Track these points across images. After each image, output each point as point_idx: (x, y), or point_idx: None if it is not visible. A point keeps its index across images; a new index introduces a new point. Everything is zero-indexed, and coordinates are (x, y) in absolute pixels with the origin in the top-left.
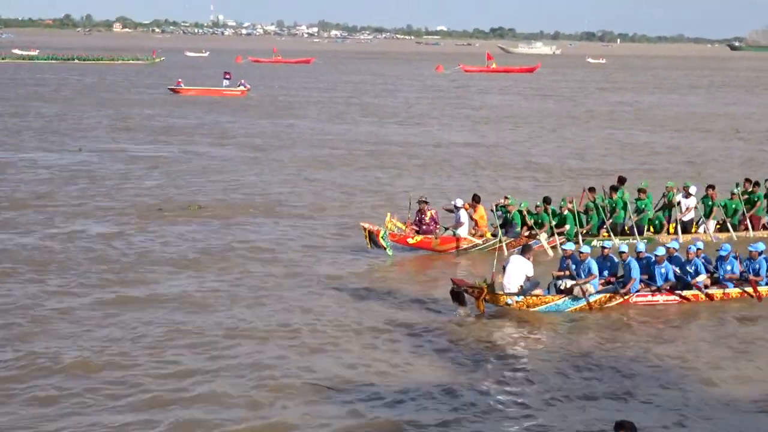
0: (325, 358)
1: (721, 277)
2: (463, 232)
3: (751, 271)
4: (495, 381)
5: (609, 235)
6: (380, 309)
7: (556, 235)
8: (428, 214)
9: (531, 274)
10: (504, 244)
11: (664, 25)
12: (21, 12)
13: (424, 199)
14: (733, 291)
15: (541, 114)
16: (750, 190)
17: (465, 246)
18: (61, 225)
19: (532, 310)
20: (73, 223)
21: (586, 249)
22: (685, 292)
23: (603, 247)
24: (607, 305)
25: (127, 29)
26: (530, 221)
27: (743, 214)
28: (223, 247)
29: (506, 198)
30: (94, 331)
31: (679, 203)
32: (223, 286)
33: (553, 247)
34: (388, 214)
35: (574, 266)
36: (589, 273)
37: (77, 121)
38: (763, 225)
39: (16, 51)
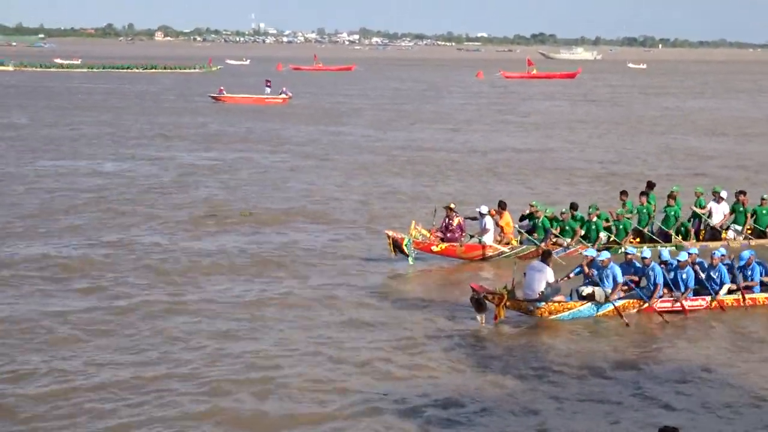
0: (355, 369)
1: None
2: (488, 239)
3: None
4: (516, 386)
5: (638, 242)
6: (405, 317)
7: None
8: (455, 221)
9: (552, 280)
10: (531, 251)
11: (706, 30)
12: (63, 21)
13: (450, 206)
14: (761, 296)
15: (592, 120)
16: None
17: (491, 253)
18: (115, 232)
19: (553, 317)
20: (127, 229)
21: (605, 255)
22: (709, 298)
23: (626, 253)
24: (630, 311)
25: (168, 38)
26: (556, 228)
27: None
28: (274, 254)
29: (532, 205)
30: (152, 338)
31: (710, 210)
32: (273, 293)
33: (579, 254)
34: (413, 221)
35: (596, 272)
36: (614, 279)
37: (128, 129)
38: None
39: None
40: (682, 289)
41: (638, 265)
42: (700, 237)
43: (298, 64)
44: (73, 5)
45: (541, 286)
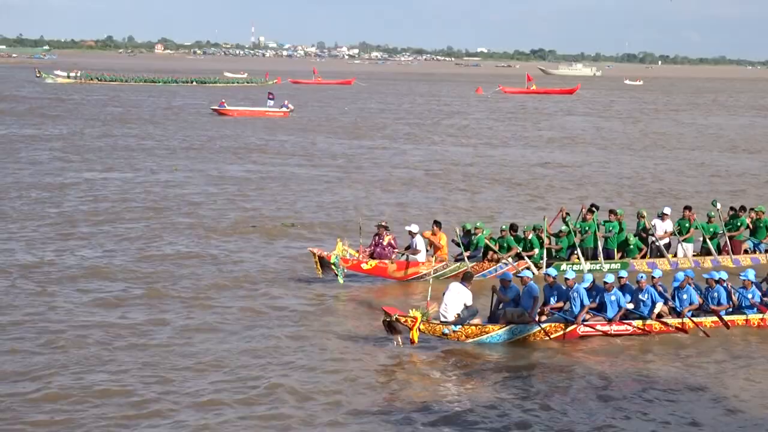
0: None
1: (678, 306)
2: (420, 258)
3: (710, 300)
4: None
5: (579, 260)
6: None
7: (527, 260)
8: (386, 238)
9: (470, 302)
10: (468, 268)
11: (705, 47)
12: (63, 33)
13: (383, 224)
14: (690, 321)
15: (616, 135)
16: (734, 214)
17: (424, 272)
18: (157, 241)
19: (470, 341)
20: (168, 239)
21: (527, 274)
22: (636, 322)
23: (546, 275)
24: (553, 335)
25: (168, 50)
26: (495, 246)
27: (725, 238)
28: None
29: (476, 228)
30: (193, 346)
31: (653, 227)
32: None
33: (515, 274)
34: (339, 239)
35: (515, 294)
36: (535, 298)
37: (168, 141)
38: (745, 250)
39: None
40: (609, 312)
41: (562, 287)
42: (647, 255)
43: (297, 78)
44: (74, 17)
45: (457, 309)
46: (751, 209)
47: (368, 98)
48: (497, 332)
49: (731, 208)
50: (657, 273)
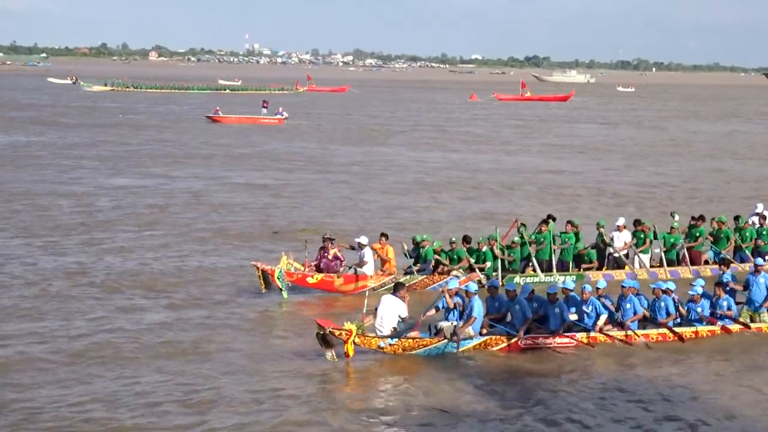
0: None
1: (623, 318)
2: (368, 270)
3: (656, 310)
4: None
5: (534, 272)
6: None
7: (478, 272)
8: (331, 252)
9: (405, 314)
10: (416, 282)
11: (700, 54)
12: (57, 40)
13: (328, 236)
14: (635, 333)
15: (629, 143)
16: (693, 224)
17: (372, 285)
18: (178, 246)
19: (408, 353)
20: (189, 243)
21: (471, 287)
22: (580, 335)
23: (491, 287)
24: (494, 348)
25: (163, 58)
26: (445, 259)
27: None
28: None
29: (413, 238)
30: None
31: (612, 239)
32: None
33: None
34: (284, 253)
35: (461, 306)
36: (470, 315)
37: (192, 149)
38: (705, 261)
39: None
40: (552, 324)
41: (504, 298)
42: (605, 267)
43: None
44: (68, 25)
45: (393, 322)
46: (712, 219)
47: (365, 105)
48: (435, 345)
49: (692, 218)
50: (601, 284)
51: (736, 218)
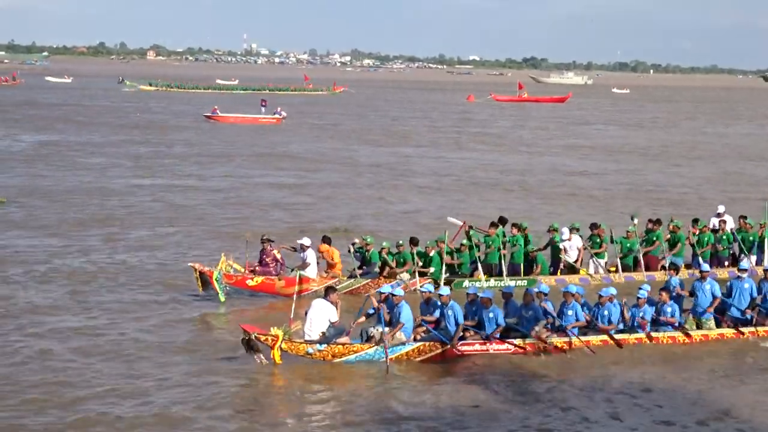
0: None
1: (564, 324)
2: (311, 273)
3: (599, 317)
4: None
5: (481, 276)
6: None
7: (418, 276)
8: (271, 254)
9: (335, 319)
10: (361, 285)
11: (697, 56)
12: (55, 39)
13: (267, 238)
14: (576, 340)
15: (642, 145)
16: (650, 228)
17: (315, 288)
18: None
19: (337, 360)
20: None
21: (399, 292)
22: (518, 341)
23: (422, 291)
24: (428, 355)
25: (160, 57)
26: (392, 261)
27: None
28: None
29: (363, 239)
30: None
31: (563, 243)
32: None
33: (415, 290)
34: (223, 254)
35: (388, 311)
36: (398, 320)
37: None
38: (662, 266)
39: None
40: (487, 329)
41: (438, 303)
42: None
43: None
44: (65, 24)
45: (322, 326)
46: (670, 222)
47: (367, 106)
48: (366, 352)
49: (649, 221)
50: (544, 288)
51: (695, 221)
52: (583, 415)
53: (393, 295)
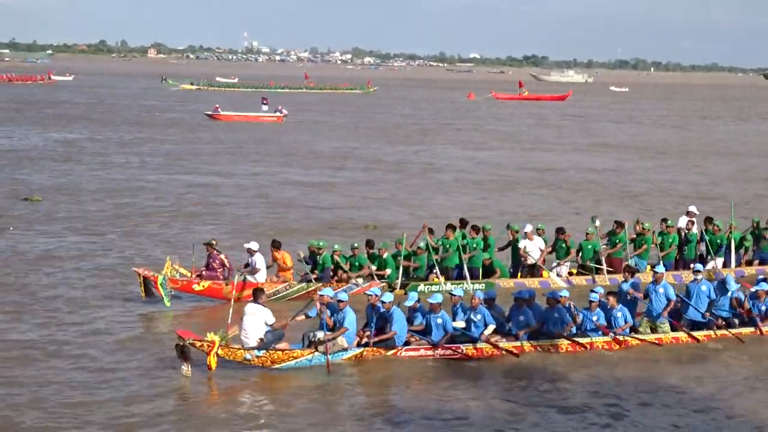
0: None
1: (513, 328)
2: (260, 278)
3: (550, 321)
4: None
5: (439, 279)
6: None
7: (376, 279)
8: (218, 258)
9: (272, 320)
10: (313, 290)
11: (698, 54)
12: (56, 37)
13: (210, 242)
14: (527, 344)
15: (665, 144)
16: (613, 229)
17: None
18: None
19: (276, 366)
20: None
21: (343, 297)
22: (465, 346)
23: (368, 295)
24: (371, 359)
25: (161, 55)
26: (346, 264)
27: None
28: None
29: (314, 244)
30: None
31: (525, 246)
32: None
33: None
34: (168, 258)
35: (331, 315)
36: (341, 325)
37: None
38: (626, 267)
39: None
40: (434, 335)
41: (381, 308)
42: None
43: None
44: (66, 21)
45: (259, 332)
46: (636, 223)
47: (374, 104)
48: (307, 357)
49: (615, 222)
50: (492, 293)
51: (663, 221)
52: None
53: (339, 300)
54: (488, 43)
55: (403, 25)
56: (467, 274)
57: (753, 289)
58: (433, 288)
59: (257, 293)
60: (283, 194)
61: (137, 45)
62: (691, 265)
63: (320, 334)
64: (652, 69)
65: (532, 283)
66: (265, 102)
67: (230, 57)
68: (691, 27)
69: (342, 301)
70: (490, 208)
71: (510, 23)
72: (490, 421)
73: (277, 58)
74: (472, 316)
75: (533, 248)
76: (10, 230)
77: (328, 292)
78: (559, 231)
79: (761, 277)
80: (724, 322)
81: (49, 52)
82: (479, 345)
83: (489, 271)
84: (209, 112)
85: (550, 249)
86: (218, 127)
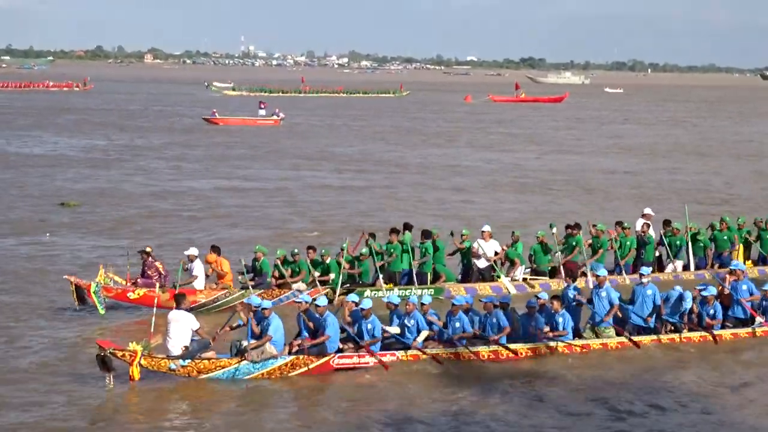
0: None
1: (450, 334)
2: (198, 285)
3: (488, 326)
4: None
5: (383, 285)
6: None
7: (319, 285)
8: (153, 266)
9: (197, 326)
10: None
11: (695, 55)
12: (53, 43)
13: (144, 250)
14: (464, 351)
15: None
16: (569, 233)
17: (203, 300)
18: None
19: (203, 376)
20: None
21: (266, 304)
22: (399, 352)
23: (297, 302)
24: (302, 369)
25: (158, 60)
26: (287, 270)
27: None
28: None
29: (257, 252)
30: None
31: (479, 248)
32: None
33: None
34: (102, 266)
35: (257, 324)
36: (265, 333)
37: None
38: (582, 272)
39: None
40: (367, 339)
41: (315, 314)
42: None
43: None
44: (63, 27)
45: (184, 340)
46: (592, 226)
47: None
48: (235, 367)
49: (567, 226)
50: (426, 299)
51: (618, 223)
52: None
53: (263, 308)
54: (485, 45)
55: (400, 28)
56: (416, 278)
57: (703, 295)
58: (380, 294)
59: (180, 299)
60: (310, 197)
61: (134, 50)
62: (641, 269)
63: (245, 343)
64: (649, 70)
65: (483, 288)
66: (262, 106)
67: (227, 62)
68: (688, 28)
69: (266, 309)
70: (522, 211)
71: (507, 25)
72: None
73: (274, 62)
74: (405, 322)
75: (488, 249)
76: (46, 236)
77: (253, 300)
78: (512, 234)
79: (703, 285)
80: (672, 327)
81: (50, 58)
82: (412, 351)
83: (435, 276)
84: (206, 117)
85: (502, 256)
86: (249, 132)
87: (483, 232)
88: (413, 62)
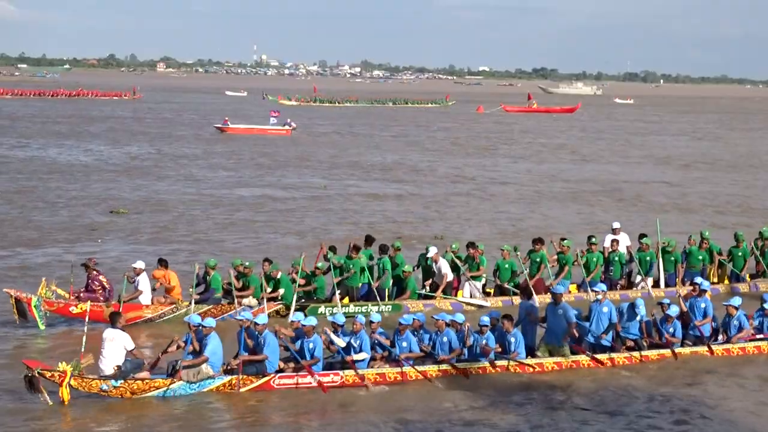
0: None
1: (397, 354)
2: (144, 299)
3: (439, 346)
4: None
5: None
6: None
7: (265, 303)
8: (98, 279)
9: (131, 346)
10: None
11: (707, 66)
12: (65, 52)
13: (87, 263)
14: (411, 371)
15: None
16: (532, 249)
17: (150, 315)
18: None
19: (137, 397)
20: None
21: (208, 323)
22: (346, 372)
23: (240, 320)
24: (243, 389)
25: (171, 69)
26: (238, 283)
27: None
28: None
29: (210, 267)
30: None
31: (440, 266)
32: None
33: (270, 315)
34: (44, 279)
35: (198, 342)
36: (201, 352)
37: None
38: (547, 288)
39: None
40: (308, 358)
41: (254, 332)
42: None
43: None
44: (76, 36)
45: (117, 359)
46: (560, 241)
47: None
48: (170, 387)
49: (532, 240)
50: (375, 318)
51: (588, 239)
52: None
53: (202, 326)
54: (497, 55)
55: (412, 38)
56: (377, 294)
57: (666, 313)
58: (335, 310)
59: (114, 317)
60: (342, 203)
61: (146, 59)
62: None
63: (180, 362)
64: (662, 81)
65: (443, 304)
66: (274, 115)
67: (239, 71)
68: (700, 39)
69: (207, 328)
70: (561, 219)
71: (519, 36)
72: None
73: (286, 71)
74: (352, 341)
75: (446, 266)
76: (98, 242)
77: (193, 319)
78: (470, 245)
79: (666, 300)
80: (633, 343)
81: (67, 66)
82: (361, 371)
83: (400, 290)
84: (218, 125)
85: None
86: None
87: (428, 257)
88: (425, 72)
